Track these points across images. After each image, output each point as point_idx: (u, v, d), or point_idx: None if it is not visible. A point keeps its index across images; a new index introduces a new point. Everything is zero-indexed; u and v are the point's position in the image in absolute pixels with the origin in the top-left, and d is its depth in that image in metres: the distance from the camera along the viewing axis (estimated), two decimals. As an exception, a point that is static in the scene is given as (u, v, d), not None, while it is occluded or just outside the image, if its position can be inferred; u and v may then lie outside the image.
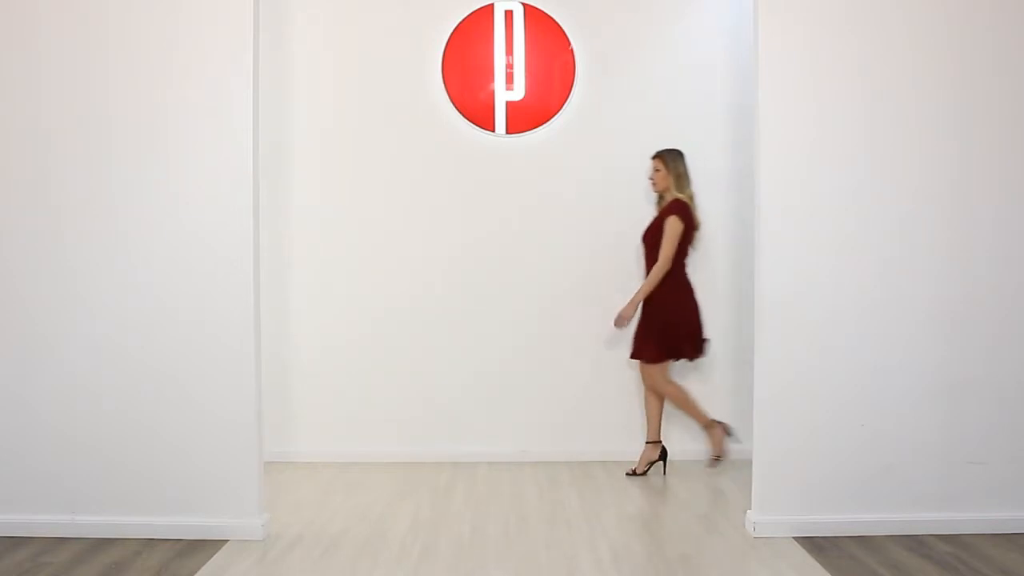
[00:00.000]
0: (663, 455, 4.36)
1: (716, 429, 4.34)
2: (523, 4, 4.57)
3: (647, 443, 4.36)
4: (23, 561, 3.07)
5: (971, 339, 3.36)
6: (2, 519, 3.32)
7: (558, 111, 4.58)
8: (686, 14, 4.63)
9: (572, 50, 4.58)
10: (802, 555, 3.14)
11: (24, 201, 3.31)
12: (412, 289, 4.58)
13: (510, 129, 4.57)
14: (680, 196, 4.24)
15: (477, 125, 4.59)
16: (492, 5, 4.58)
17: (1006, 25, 3.32)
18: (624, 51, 4.60)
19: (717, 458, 4.33)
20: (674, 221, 4.18)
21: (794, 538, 3.29)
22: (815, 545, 3.22)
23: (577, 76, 4.58)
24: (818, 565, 3.03)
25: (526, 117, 4.58)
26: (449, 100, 4.58)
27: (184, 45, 3.27)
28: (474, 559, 3.15)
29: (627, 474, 4.32)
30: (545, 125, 4.57)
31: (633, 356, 4.34)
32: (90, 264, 3.30)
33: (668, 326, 4.24)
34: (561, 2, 4.58)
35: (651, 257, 4.27)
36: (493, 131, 4.57)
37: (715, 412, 4.59)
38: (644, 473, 4.32)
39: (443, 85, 4.58)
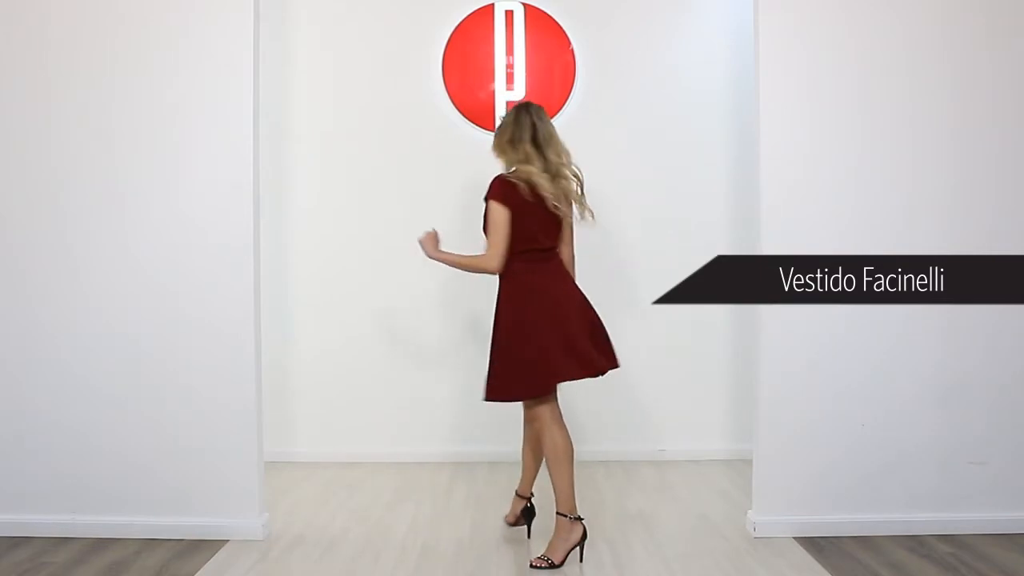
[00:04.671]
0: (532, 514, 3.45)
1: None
2: (523, 4, 4.57)
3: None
4: (23, 561, 3.07)
5: (971, 339, 3.36)
6: (2, 519, 3.32)
7: (558, 111, 4.58)
8: (686, 14, 4.63)
9: (572, 50, 4.58)
10: (802, 555, 3.14)
11: (27, 201, 3.32)
12: (412, 288, 4.58)
13: (510, 129, 4.57)
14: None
15: (477, 125, 4.59)
16: (492, 5, 4.58)
17: (1004, 22, 3.33)
18: (624, 51, 4.59)
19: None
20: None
21: (794, 538, 3.29)
22: (815, 545, 3.22)
23: (577, 76, 4.58)
24: (818, 565, 3.03)
25: (526, 117, 4.57)
26: (449, 100, 4.58)
27: (186, 45, 3.28)
28: (474, 559, 3.16)
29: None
30: (545, 125, 4.57)
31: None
32: (91, 264, 3.31)
33: None
34: (561, 2, 4.58)
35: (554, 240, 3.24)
36: (493, 131, 4.56)
37: (715, 412, 4.60)
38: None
39: (443, 85, 4.57)
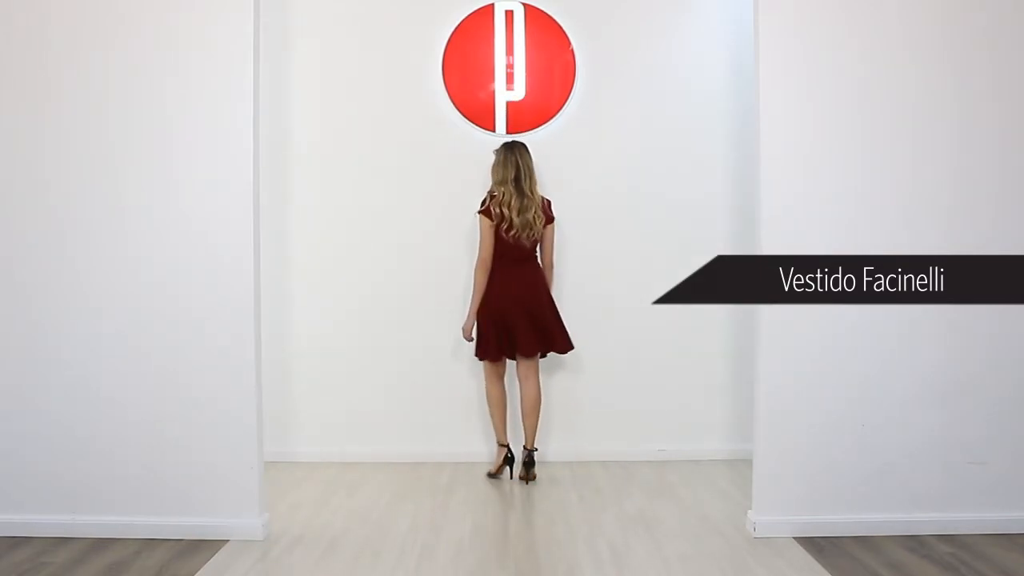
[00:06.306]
0: (512, 459, 4.27)
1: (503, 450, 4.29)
2: (523, 4, 4.57)
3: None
4: (23, 561, 3.07)
5: (971, 339, 3.36)
6: (2, 519, 3.32)
7: (558, 111, 4.58)
8: (686, 14, 4.63)
9: (572, 50, 4.58)
10: (802, 555, 3.14)
11: (27, 201, 3.31)
12: (413, 289, 4.58)
13: (510, 129, 4.57)
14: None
15: (477, 125, 4.59)
16: (492, 5, 4.58)
17: (1004, 22, 3.33)
18: (624, 51, 4.59)
19: (492, 475, 4.27)
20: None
21: (794, 538, 3.29)
22: (815, 545, 3.22)
23: (577, 76, 4.58)
24: (818, 565, 3.03)
25: (526, 117, 4.57)
26: (449, 100, 4.58)
27: (186, 45, 3.27)
28: (474, 559, 3.16)
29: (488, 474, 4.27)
30: (545, 125, 4.57)
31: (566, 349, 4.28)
32: (92, 265, 3.31)
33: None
34: (561, 2, 4.58)
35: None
36: (493, 131, 4.57)
37: (715, 412, 4.61)
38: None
39: (443, 85, 4.57)
